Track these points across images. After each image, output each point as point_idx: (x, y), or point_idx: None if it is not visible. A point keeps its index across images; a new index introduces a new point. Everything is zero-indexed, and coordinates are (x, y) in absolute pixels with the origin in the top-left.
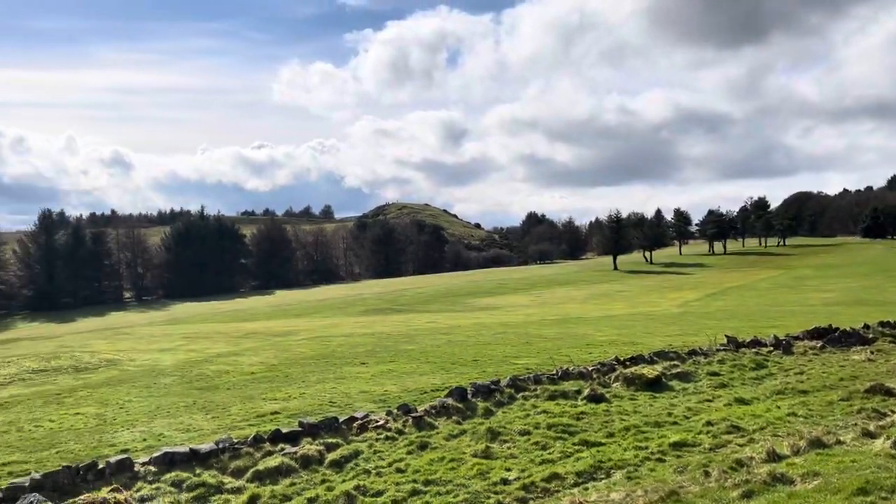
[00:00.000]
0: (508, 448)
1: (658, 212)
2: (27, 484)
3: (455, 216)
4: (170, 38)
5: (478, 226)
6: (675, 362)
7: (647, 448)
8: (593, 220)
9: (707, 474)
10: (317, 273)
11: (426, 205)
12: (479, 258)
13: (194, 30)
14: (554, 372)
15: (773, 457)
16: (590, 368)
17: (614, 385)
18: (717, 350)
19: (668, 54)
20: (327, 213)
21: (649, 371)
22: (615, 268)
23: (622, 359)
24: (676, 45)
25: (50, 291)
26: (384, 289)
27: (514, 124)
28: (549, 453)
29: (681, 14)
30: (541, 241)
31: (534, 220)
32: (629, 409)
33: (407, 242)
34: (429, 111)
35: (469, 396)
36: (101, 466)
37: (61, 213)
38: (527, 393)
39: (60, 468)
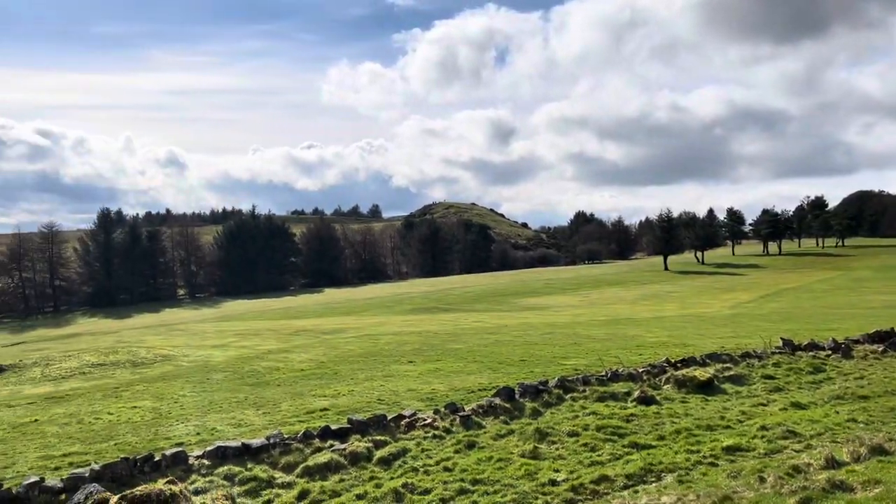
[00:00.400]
0: (556, 449)
1: (710, 211)
2: (87, 474)
3: (502, 215)
4: (223, 40)
5: (525, 225)
6: (728, 365)
7: (698, 452)
8: (643, 219)
9: (762, 480)
10: (365, 272)
11: (473, 204)
12: (525, 257)
13: (246, 32)
14: (603, 373)
15: (832, 463)
16: (640, 370)
17: (665, 387)
18: (773, 353)
19: (722, 50)
20: (375, 213)
21: (701, 373)
22: (666, 268)
23: (673, 361)
24: (731, 41)
25: (108, 288)
26: (431, 288)
27: (563, 123)
28: (598, 455)
29: (736, 8)
30: (589, 240)
31: (582, 219)
32: (680, 412)
33: (453, 241)
34: (476, 110)
35: (517, 396)
36: (157, 459)
37: (119, 213)
38: (575, 394)
39: (118, 460)
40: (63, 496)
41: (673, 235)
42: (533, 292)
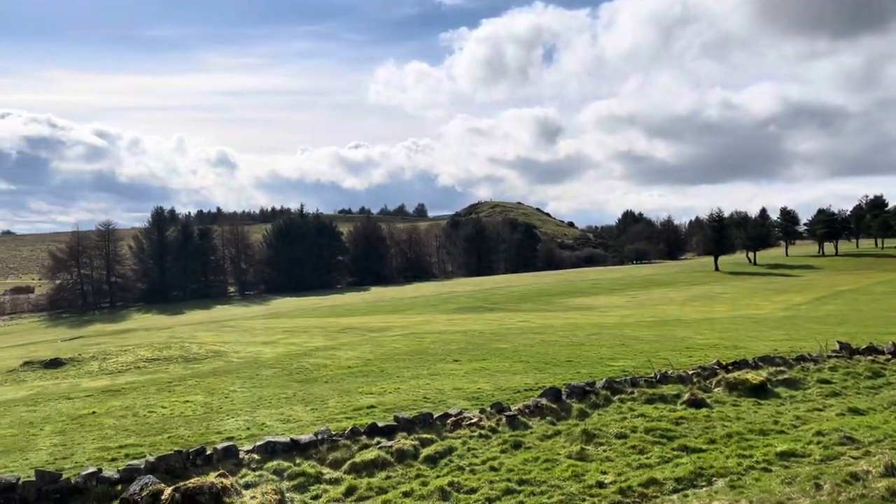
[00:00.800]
0: (604, 451)
1: (763, 211)
2: (142, 466)
3: (548, 215)
4: (272, 42)
5: (571, 224)
6: (782, 368)
7: (751, 456)
8: (693, 219)
9: (818, 487)
10: (410, 270)
11: (519, 203)
12: (572, 257)
13: (295, 33)
14: (652, 375)
15: (892, 471)
16: (690, 372)
17: (716, 390)
18: (829, 357)
19: (776, 45)
20: (421, 212)
21: (754, 376)
22: (716, 268)
23: (724, 363)
24: (786, 36)
25: (161, 284)
26: (476, 287)
27: (611, 121)
28: (647, 458)
29: (792, 3)
30: (637, 240)
31: (630, 218)
32: (732, 416)
33: (499, 241)
34: (523, 109)
35: (563, 397)
36: (208, 452)
37: (172, 211)
38: (623, 396)
39: (172, 452)
40: (119, 487)
41: (724, 235)
42: (579, 292)
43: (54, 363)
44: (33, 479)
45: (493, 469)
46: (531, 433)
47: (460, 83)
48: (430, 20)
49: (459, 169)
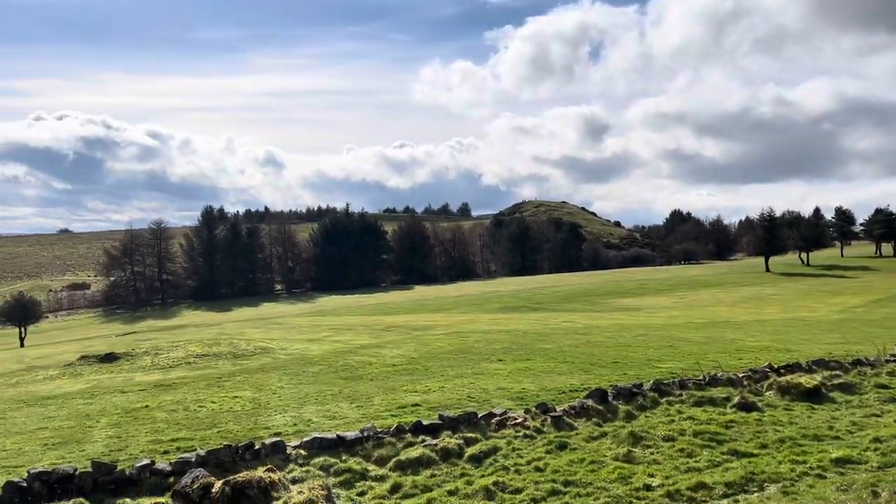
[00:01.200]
0: (651, 453)
1: (817, 210)
2: (193, 459)
3: (594, 214)
4: (318, 42)
5: (617, 224)
6: (837, 372)
7: (804, 462)
8: (743, 218)
9: (875, 495)
10: (454, 269)
11: (563, 202)
12: (618, 257)
13: (341, 34)
14: (700, 377)
15: None
16: (740, 375)
17: (767, 394)
18: (887, 361)
19: (833, 40)
20: (464, 211)
21: (807, 380)
22: (767, 269)
23: (776, 366)
24: (844, 30)
25: (211, 282)
26: (520, 286)
27: (659, 118)
28: (696, 461)
29: None
30: (685, 240)
31: (678, 218)
32: (784, 420)
33: (543, 240)
34: (569, 107)
35: (609, 399)
36: (257, 447)
37: (221, 210)
38: (671, 398)
39: (222, 447)
40: (172, 479)
41: (775, 235)
42: (626, 293)
43: (109, 357)
44: (90, 469)
45: (538, 469)
46: (577, 434)
47: (505, 82)
48: (475, 19)
49: (503, 168)
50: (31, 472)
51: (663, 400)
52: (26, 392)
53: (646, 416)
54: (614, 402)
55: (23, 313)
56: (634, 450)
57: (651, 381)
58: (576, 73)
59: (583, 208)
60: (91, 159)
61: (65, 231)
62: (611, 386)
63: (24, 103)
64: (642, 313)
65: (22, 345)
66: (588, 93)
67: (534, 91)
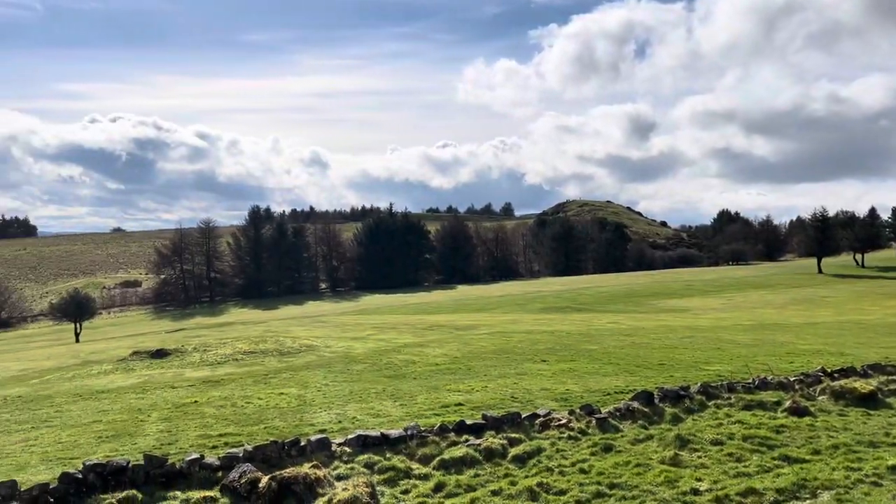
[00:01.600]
0: (699, 457)
1: (872, 210)
2: (241, 454)
3: (639, 214)
4: (364, 44)
5: (663, 224)
6: (895, 377)
7: (860, 469)
8: (794, 218)
9: None
10: (496, 269)
11: (608, 202)
12: (664, 257)
13: (386, 35)
14: (750, 381)
15: None
16: (791, 379)
17: (820, 398)
18: None
19: (889, 35)
20: (507, 211)
21: (862, 385)
22: (819, 271)
23: (829, 370)
24: None
25: (257, 280)
26: (564, 287)
27: (708, 116)
28: (745, 466)
29: None
30: (734, 240)
31: (726, 217)
32: (838, 426)
33: (587, 240)
34: (614, 105)
35: (656, 401)
36: (302, 444)
37: (267, 210)
38: (719, 401)
39: (269, 442)
40: (220, 473)
41: (828, 236)
42: (672, 294)
43: (160, 353)
44: (142, 462)
45: (582, 471)
46: (622, 436)
47: (549, 80)
48: (519, 18)
49: (547, 167)
50: (87, 463)
51: (711, 403)
52: (82, 386)
53: (693, 420)
54: (660, 405)
55: (78, 309)
56: (681, 453)
57: (698, 384)
58: (621, 71)
59: (628, 208)
60: (143, 160)
61: (118, 230)
62: (657, 388)
63: (79, 106)
64: (689, 315)
65: (77, 340)
66: (634, 91)
67: (578, 89)
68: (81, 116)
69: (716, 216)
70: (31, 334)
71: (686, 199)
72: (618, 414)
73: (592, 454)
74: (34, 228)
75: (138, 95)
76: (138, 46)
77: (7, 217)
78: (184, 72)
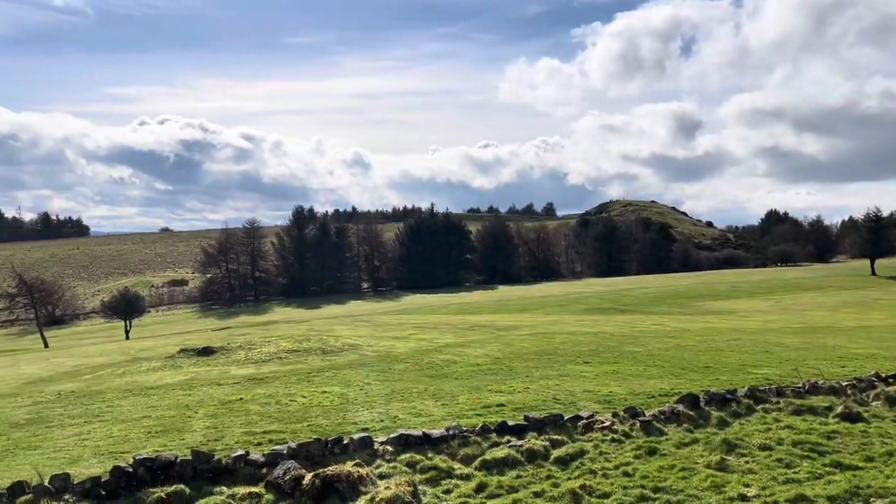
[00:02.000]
0: (746, 462)
1: None
2: (285, 452)
3: (684, 214)
4: (405, 45)
5: (709, 224)
6: None
7: None
8: (846, 219)
9: None
10: (538, 270)
11: (653, 202)
12: (710, 258)
13: (427, 36)
14: (799, 385)
15: None
16: (843, 384)
17: (874, 404)
18: None
19: None
20: (549, 211)
21: None
22: (873, 273)
23: (884, 375)
24: None
25: (300, 280)
26: (606, 288)
27: (755, 114)
28: (795, 472)
29: None
30: (782, 241)
31: (774, 218)
32: (892, 432)
33: (631, 241)
34: (659, 104)
35: (702, 404)
36: (345, 442)
37: (311, 210)
38: (767, 405)
39: (312, 440)
40: (265, 470)
41: (882, 237)
42: (718, 295)
43: (206, 351)
44: (189, 458)
45: (626, 474)
46: (667, 440)
47: (592, 79)
48: (561, 17)
49: (590, 167)
50: (137, 458)
51: (759, 407)
52: (132, 382)
53: (740, 424)
54: (706, 408)
55: (128, 307)
56: (728, 458)
57: (746, 388)
58: (667, 69)
59: (673, 208)
60: (190, 161)
61: (165, 230)
62: (703, 391)
63: (129, 109)
64: (735, 317)
65: (127, 337)
66: (679, 89)
67: (622, 88)
68: (131, 119)
69: (763, 216)
70: (83, 331)
71: (733, 198)
72: (662, 417)
73: (636, 457)
74: (87, 228)
75: (185, 98)
76: (184, 50)
77: (61, 217)
78: (229, 74)
